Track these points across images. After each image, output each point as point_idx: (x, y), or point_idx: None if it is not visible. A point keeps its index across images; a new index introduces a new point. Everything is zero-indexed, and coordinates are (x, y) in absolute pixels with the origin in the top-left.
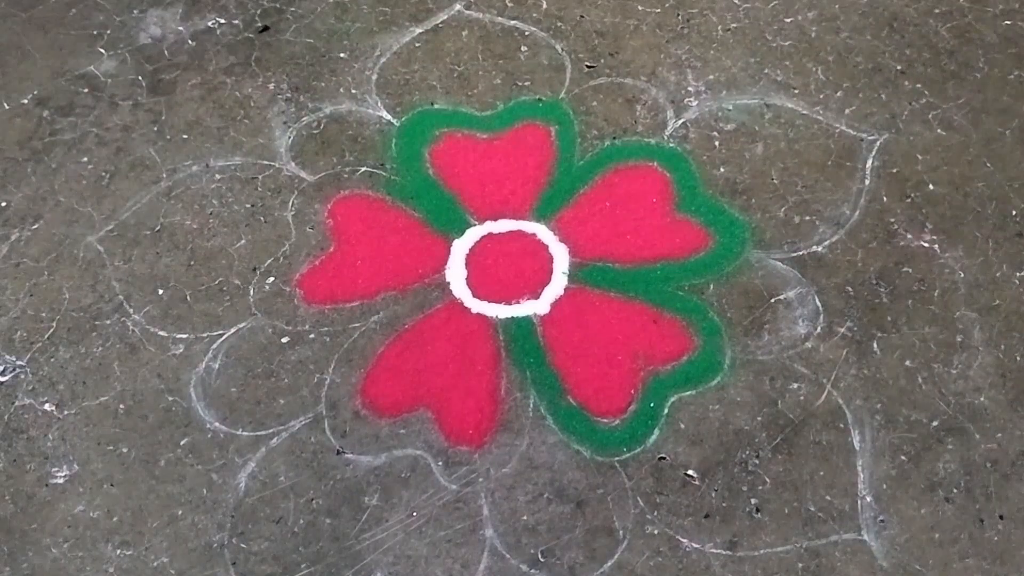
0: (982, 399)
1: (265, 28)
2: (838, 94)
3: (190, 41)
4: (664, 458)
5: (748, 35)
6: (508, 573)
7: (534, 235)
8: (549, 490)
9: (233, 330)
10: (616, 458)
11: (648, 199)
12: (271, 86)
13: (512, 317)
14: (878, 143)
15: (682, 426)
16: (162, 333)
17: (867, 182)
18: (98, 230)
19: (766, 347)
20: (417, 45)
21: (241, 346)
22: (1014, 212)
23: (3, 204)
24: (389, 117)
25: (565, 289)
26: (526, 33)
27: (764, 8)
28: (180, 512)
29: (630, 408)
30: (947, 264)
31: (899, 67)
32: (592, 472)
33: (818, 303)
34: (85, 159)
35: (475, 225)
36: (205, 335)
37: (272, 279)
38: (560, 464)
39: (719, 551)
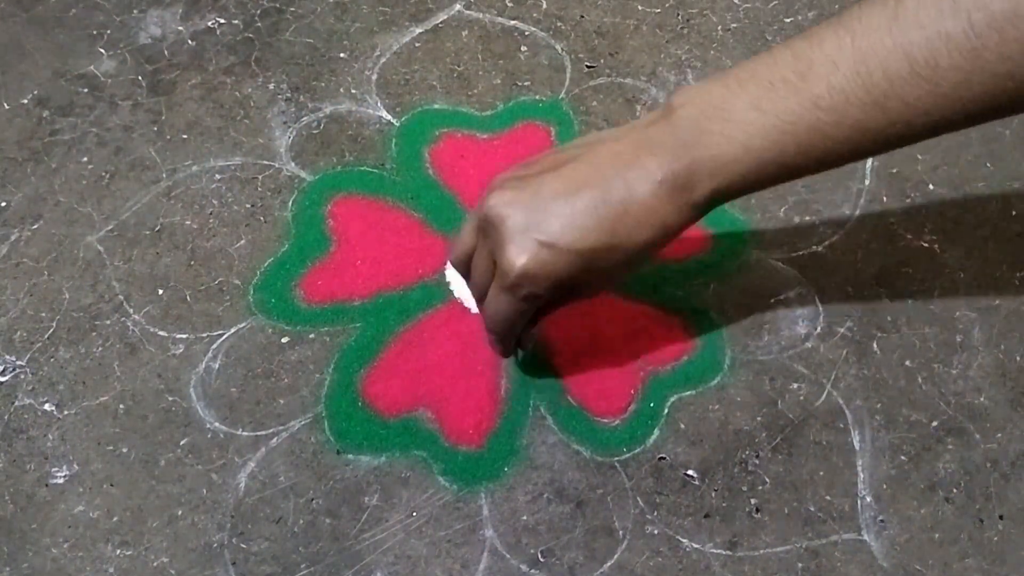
0: (982, 399)
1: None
2: None
3: (190, 41)
4: (664, 458)
5: (748, 35)
6: (508, 573)
7: None
8: (549, 490)
9: (233, 330)
10: (616, 458)
11: None
12: (271, 86)
13: None
14: None
15: (682, 426)
16: (162, 333)
17: (867, 182)
18: (98, 230)
19: (766, 347)
20: (417, 45)
21: (241, 346)
22: (1014, 212)
23: (3, 204)
24: (389, 117)
25: None
26: (526, 33)
27: (764, 8)
28: (180, 512)
29: (630, 408)
30: (947, 264)
31: None
32: (592, 472)
33: (818, 303)
34: (85, 159)
35: None
36: (205, 335)
37: (272, 279)
38: (560, 464)
39: (719, 551)
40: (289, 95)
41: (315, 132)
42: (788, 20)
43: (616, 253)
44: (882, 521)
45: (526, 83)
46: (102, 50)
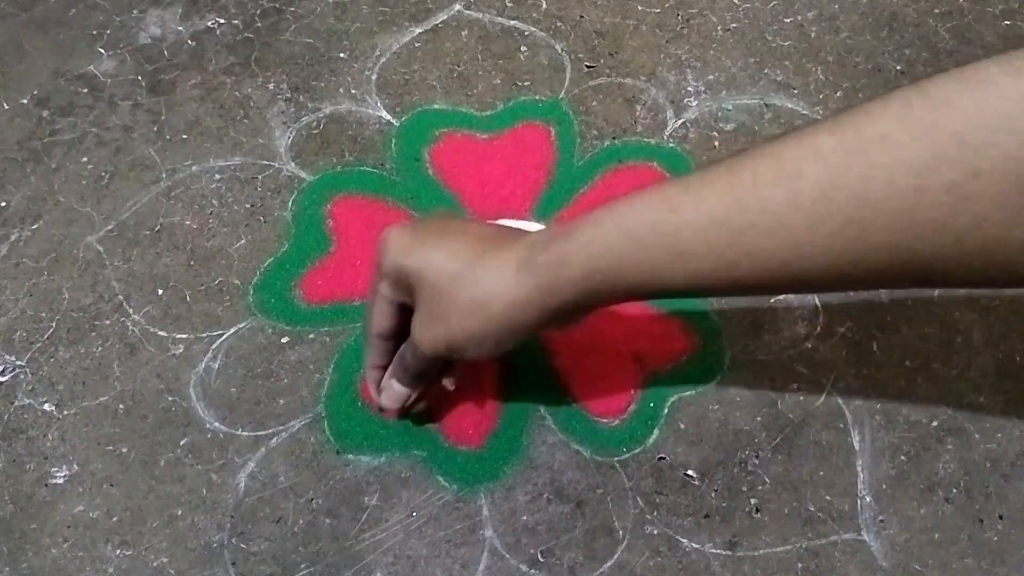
0: (982, 399)
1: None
2: (838, 94)
3: (190, 41)
4: (664, 458)
5: (748, 35)
6: (508, 573)
7: None
8: (549, 490)
9: (233, 330)
10: (616, 458)
11: None
12: (271, 86)
13: None
14: None
15: (682, 426)
16: (162, 333)
17: None
18: (98, 230)
19: (766, 347)
20: (417, 45)
21: (241, 346)
22: None
23: (2, 204)
24: (389, 117)
25: None
26: (526, 33)
27: (764, 8)
28: (180, 512)
29: (630, 408)
30: None
31: (899, 67)
32: (592, 472)
33: (818, 303)
34: (85, 159)
35: None
36: (205, 335)
37: (272, 279)
38: (560, 464)
39: (719, 551)
40: (289, 95)
41: (315, 132)
42: (788, 20)
43: None
44: (882, 521)
45: (526, 83)
46: (102, 50)
